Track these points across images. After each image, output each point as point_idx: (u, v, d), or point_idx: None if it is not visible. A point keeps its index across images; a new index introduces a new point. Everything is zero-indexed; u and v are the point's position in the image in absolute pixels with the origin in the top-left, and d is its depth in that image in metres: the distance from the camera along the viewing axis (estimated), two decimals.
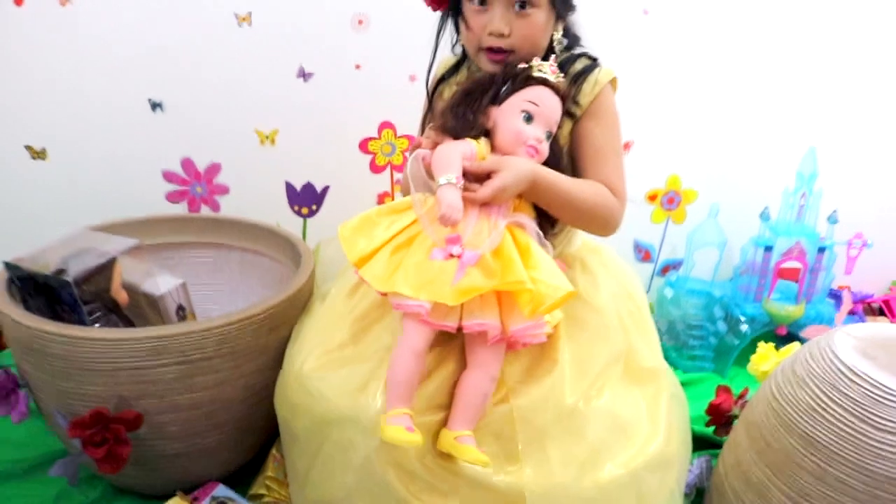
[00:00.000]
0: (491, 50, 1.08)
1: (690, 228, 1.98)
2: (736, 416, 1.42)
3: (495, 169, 0.98)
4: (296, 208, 1.88)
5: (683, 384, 1.43)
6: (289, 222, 1.87)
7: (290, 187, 1.85)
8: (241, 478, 1.36)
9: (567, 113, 1.09)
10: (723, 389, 1.44)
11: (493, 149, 1.04)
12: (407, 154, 1.10)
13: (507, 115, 1.01)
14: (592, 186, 1.08)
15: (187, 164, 1.78)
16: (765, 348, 1.46)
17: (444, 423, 1.00)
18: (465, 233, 0.95)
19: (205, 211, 1.83)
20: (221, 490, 1.31)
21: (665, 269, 2.09)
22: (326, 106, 1.78)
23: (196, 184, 1.81)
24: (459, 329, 0.97)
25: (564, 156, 1.12)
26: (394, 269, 0.97)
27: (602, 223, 1.10)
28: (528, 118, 1.01)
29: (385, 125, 1.83)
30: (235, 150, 1.79)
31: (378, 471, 0.99)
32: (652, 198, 2.00)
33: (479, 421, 1.00)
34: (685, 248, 1.99)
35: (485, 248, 0.93)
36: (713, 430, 1.46)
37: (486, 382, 1.00)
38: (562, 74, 1.07)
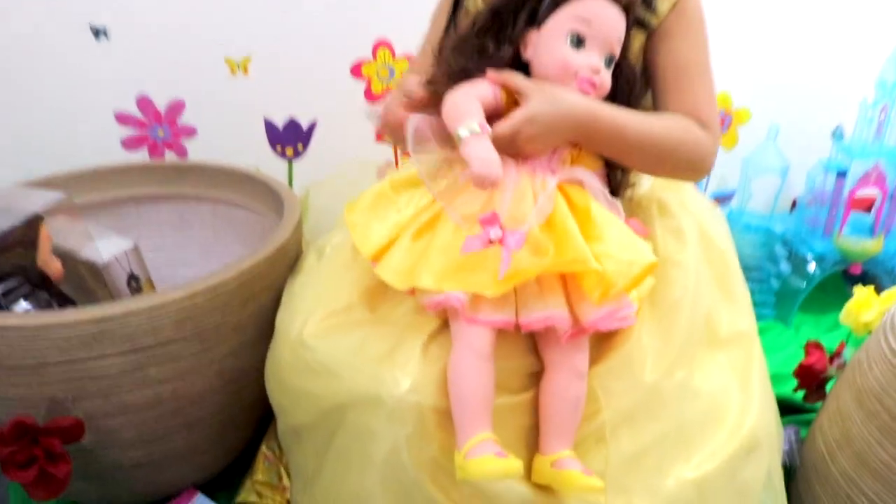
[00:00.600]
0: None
1: (744, 154, 1.68)
2: (831, 378, 1.15)
3: (523, 94, 0.76)
4: (278, 149, 1.58)
5: None
6: (271, 166, 1.59)
7: (269, 125, 1.55)
8: (226, 482, 1.11)
9: (638, 22, 0.85)
10: (814, 347, 1.18)
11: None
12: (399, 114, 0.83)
13: (548, 42, 0.79)
14: (674, 121, 0.85)
15: (144, 102, 1.48)
16: (864, 293, 1.18)
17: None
18: (502, 204, 0.72)
19: (169, 158, 1.53)
20: (200, 500, 1.05)
21: (715, 202, 1.80)
22: (308, 24, 1.48)
23: (156, 126, 1.51)
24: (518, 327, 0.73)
25: (638, 80, 0.85)
26: (417, 259, 0.75)
27: (689, 168, 0.87)
28: (578, 41, 0.78)
29: (381, 44, 1.53)
30: (201, 83, 1.50)
31: (408, 469, 0.75)
32: None
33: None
34: (739, 177, 1.69)
35: (531, 220, 0.72)
36: (801, 395, 1.20)
37: (574, 384, 0.77)
38: None
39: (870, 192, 1.58)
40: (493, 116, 0.77)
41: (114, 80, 1.45)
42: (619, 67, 0.83)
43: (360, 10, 1.48)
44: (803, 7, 1.62)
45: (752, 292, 1.65)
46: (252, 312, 0.97)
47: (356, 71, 1.54)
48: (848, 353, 1.15)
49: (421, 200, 0.81)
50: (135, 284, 1.07)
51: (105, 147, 1.49)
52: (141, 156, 1.53)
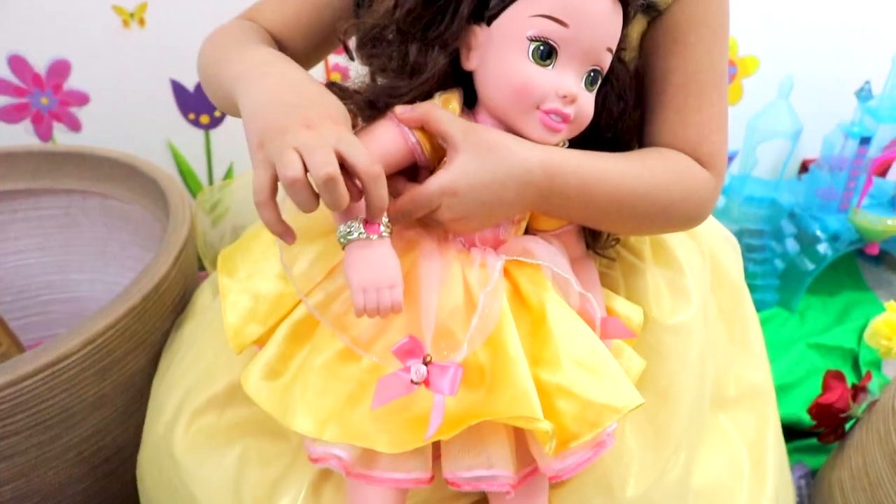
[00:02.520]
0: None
1: (750, 114, 1.43)
2: (853, 418, 0.95)
3: (447, 142, 0.53)
4: (191, 117, 1.31)
5: None
6: (185, 138, 1.32)
7: (178, 87, 1.28)
8: None
9: (640, 6, 0.60)
10: (834, 378, 0.97)
11: (475, 115, 0.57)
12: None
13: (500, 50, 0.54)
14: (668, 164, 0.61)
15: (18, 63, 1.20)
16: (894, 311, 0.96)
17: None
18: (425, 315, 0.51)
19: (59, 130, 1.26)
20: None
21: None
22: None
23: (38, 92, 1.22)
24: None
25: (632, 93, 0.61)
26: (292, 379, 0.54)
27: (682, 224, 0.66)
28: (546, 52, 0.53)
29: None
30: (88, 39, 1.21)
31: None
32: None
33: None
34: (744, 140, 1.44)
35: (470, 342, 0.51)
36: (817, 433, 1.00)
37: None
38: None
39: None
40: (415, 168, 0.52)
41: None
42: (609, 75, 0.58)
43: None
44: None
45: (754, 275, 1.45)
46: (118, 381, 0.74)
47: None
48: (877, 385, 0.95)
49: (328, 257, 0.57)
50: None
51: None
52: (23, 128, 1.25)
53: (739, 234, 1.48)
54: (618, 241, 0.69)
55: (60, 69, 1.21)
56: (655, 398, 0.66)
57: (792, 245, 1.44)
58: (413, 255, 0.54)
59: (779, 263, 1.45)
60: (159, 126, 1.29)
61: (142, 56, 1.23)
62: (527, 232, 0.61)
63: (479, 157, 0.51)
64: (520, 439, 0.52)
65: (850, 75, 1.39)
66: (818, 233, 1.40)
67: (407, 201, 0.53)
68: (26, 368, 0.66)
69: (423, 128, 0.53)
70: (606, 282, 0.69)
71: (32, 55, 1.19)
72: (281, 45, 0.68)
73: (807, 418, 1.04)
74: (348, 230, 0.48)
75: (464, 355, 0.50)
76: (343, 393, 0.51)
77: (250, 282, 0.59)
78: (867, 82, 1.29)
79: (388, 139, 0.53)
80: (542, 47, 0.52)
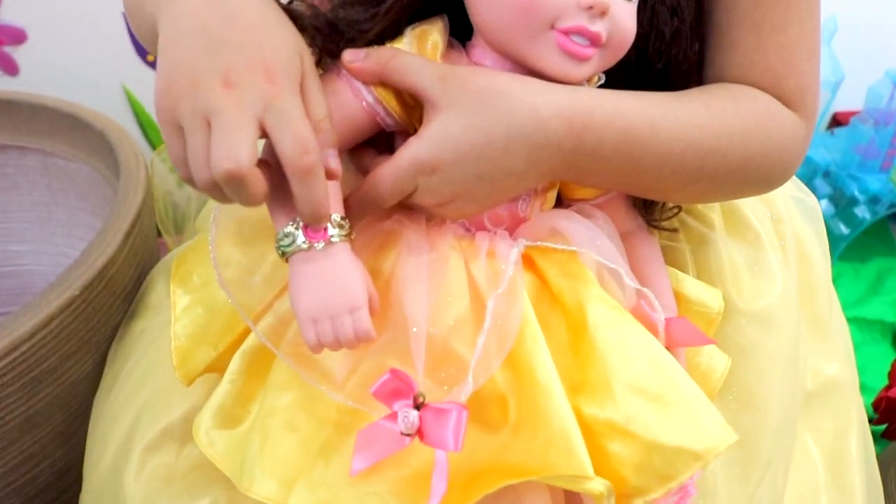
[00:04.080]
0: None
1: None
2: None
3: (423, 97, 0.38)
4: (151, 59, 1.13)
5: None
6: (142, 83, 1.14)
7: None
8: None
9: None
10: None
11: (470, 51, 0.42)
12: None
13: None
14: (741, 107, 0.45)
15: None
16: None
17: None
18: (415, 345, 0.36)
19: None
20: None
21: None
22: None
23: None
24: None
25: (686, 4, 0.44)
26: (248, 430, 0.41)
27: (763, 186, 0.50)
28: None
29: None
30: None
31: None
32: None
33: None
34: None
35: (470, 380, 0.36)
36: (882, 428, 0.88)
37: None
38: None
39: None
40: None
41: None
42: None
43: None
44: None
45: None
46: (54, 394, 0.59)
47: None
48: None
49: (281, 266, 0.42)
50: None
51: None
52: None
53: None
54: (680, 208, 0.54)
55: None
56: (739, 405, 0.53)
57: (826, 207, 1.31)
58: (394, 251, 0.40)
59: None
60: (112, 69, 1.13)
61: None
62: (559, 203, 0.47)
63: (465, 112, 0.37)
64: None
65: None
66: (856, 193, 1.27)
67: (369, 187, 0.38)
68: None
69: (385, 85, 0.38)
70: (671, 258, 0.55)
71: None
72: None
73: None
74: (287, 237, 0.35)
75: (470, 391, 0.36)
76: (315, 442, 0.38)
77: (206, 290, 0.46)
78: None
79: (336, 102, 0.38)
80: None
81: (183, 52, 0.34)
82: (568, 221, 0.43)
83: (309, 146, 0.32)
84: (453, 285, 0.38)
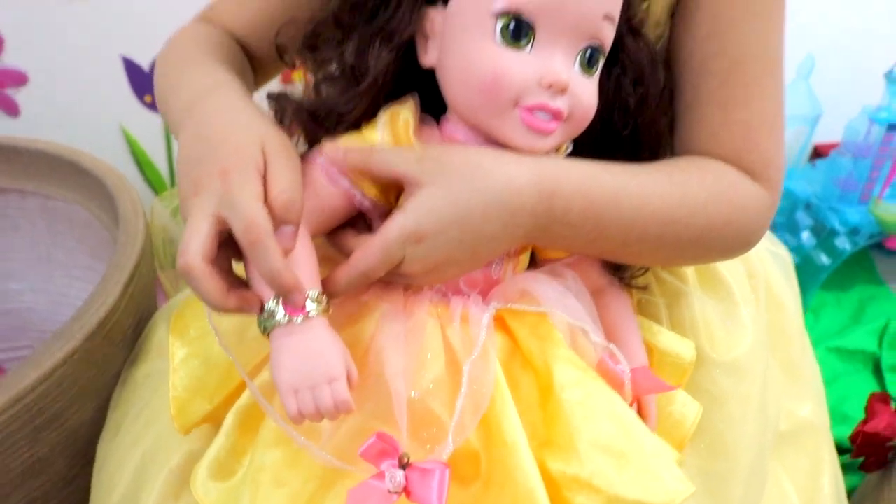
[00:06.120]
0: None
1: None
2: None
3: (405, 181, 0.41)
4: (147, 100, 1.15)
5: None
6: (140, 123, 1.17)
7: (131, 66, 1.12)
8: None
9: None
10: (879, 401, 0.87)
11: (443, 126, 0.45)
12: None
13: (461, 34, 0.42)
14: (705, 179, 0.48)
15: None
16: None
17: None
18: (397, 405, 0.39)
19: None
20: None
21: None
22: None
23: None
24: None
25: (660, 78, 0.48)
26: (241, 481, 0.44)
27: (724, 250, 0.52)
28: (518, 30, 0.40)
29: None
30: (23, 11, 1.04)
31: None
32: None
33: None
34: None
35: (452, 436, 0.39)
36: (858, 461, 0.90)
37: None
38: None
39: None
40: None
41: None
42: (619, 53, 0.45)
43: None
44: None
45: None
46: (57, 440, 0.61)
47: None
48: None
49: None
50: None
51: None
52: None
53: None
54: (647, 268, 0.57)
55: None
56: (712, 453, 0.55)
57: (807, 238, 1.34)
58: (373, 321, 0.43)
59: (794, 258, 1.35)
60: (111, 110, 1.15)
61: (87, 30, 1.08)
62: (532, 262, 0.50)
63: (445, 185, 0.40)
64: None
65: (875, 56, 1.28)
66: (836, 225, 1.30)
67: (359, 259, 0.40)
68: None
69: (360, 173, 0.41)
70: (647, 311, 0.58)
71: None
72: (246, 50, 0.57)
73: (834, 434, 0.95)
74: (267, 315, 0.37)
75: (450, 451, 0.39)
76: (301, 497, 0.40)
77: (202, 343, 0.48)
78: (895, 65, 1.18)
79: (314, 189, 0.41)
80: (511, 24, 0.39)
81: (183, 170, 0.40)
82: (537, 284, 0.45)
83: (254, 222, 0.35)
84: (430, 350, 0.41)
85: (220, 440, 0.46)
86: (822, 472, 0.67)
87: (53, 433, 0.60)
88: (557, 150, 0.45)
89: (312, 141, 0.43)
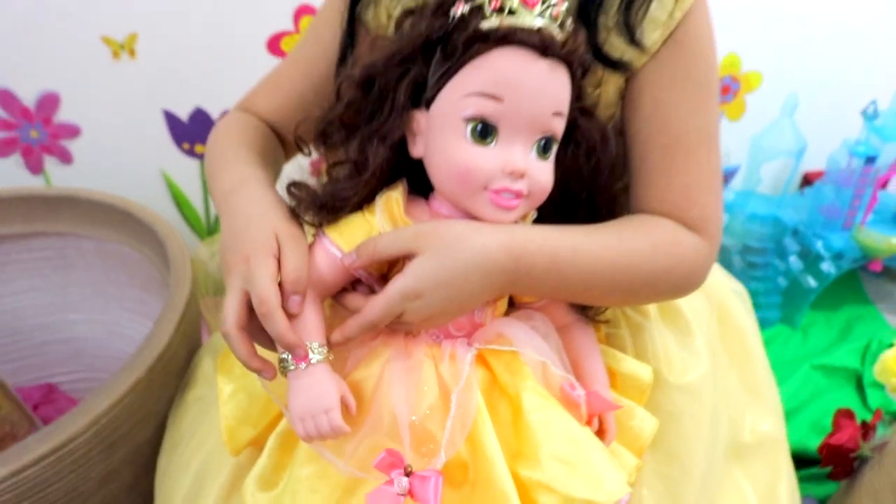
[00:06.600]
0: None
1: (753, 130, 1.41)
2: (862, 456, 0.94)
3: (407, 252, 0.51)
4: (185, 147, 1.28)
5: None
6: (179, 167, 1.30)
7: (171, 117, 1.25)
8: None
9: (612, 64, 0.58)
10: (844, 417, 0.96)
11: (431, 201, 0.55)
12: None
13: (441, 134, 0.51)
14: (650, 233, 0.58)
15: (6, 98, 1.16)
16: None
17: None
18: (401, 425, 0.50)
19: (51, 163, 1.23)
20: None
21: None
22: None
23: (27, 125, 1.19)
24: None
25: (610, 151, 0.56)
26: (283, 490, 0.54)
27: (671, 294, 0.62)
28: (484, 131, 0.50)
29: (304, 11, 1.21)
30: (78, 72, 1.17)
31: None
32: None
33: None
34: (747, 157, 1.43)
35: (447, 448, 0.50)
36: (818, 470, 0.99)
37: None
38: None
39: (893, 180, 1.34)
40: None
41: None
42: (575, 132, 0.55)
43: None
44: None
45: (756, 293, 1.44)
46: (125, 454, 0.73)
47: (274, 46, 1.22)
48: (885, 429, 0.94)
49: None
50: None
51: None
52: (14, 162, 1.22)
53: (742, 252, 1.48)
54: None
55: (50, 102, 1.18)
56: (669, 460, 0.65)
57: (795, 263, 1.43)
58: (381, 361, 0.53)
59: (782, 281, 1.45)
60: (153, 156, 1.27)
61: (133, 87, 1.20)
62: (511, 304, 0.60)
63: (435, 254, 0.49)
64: None
65: (855, 93, 1.37)
66: (821, 251, 1.39)
67: (368, 312, 0.51)
68: (31, 456, 0.64)
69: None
70: (614, 342, 0.68)
71: (21, 88, 1.16)
72: (276, 132, 0.70)
73: (814, 446, 1.04)
74: (282, 362, 0.49)
75: (443, 462, 0.49)
76: (331, 499, 0.51)
77: (246, 380, 0.60)
78: (873, 101, 1.27)
79: (321, 262, 0.52)
80: (479, 126, 0.49)
81: (221, 257, 0.54)
82: (510, 328, 0.55)
83: (265, 298, 0.48)
84: (426, 383, 0.51)
85: (264, 459, 0.56)
86: (780, 480, 0.76)
87: (123, 448, 0.72)
88: (525, 217, 0.55)
89: (321, 223, 0.54)
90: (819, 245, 1.39)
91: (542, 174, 0.52)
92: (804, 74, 1.41)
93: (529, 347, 0.53)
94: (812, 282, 1.40)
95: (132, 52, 1.17)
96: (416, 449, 0.49)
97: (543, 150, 0.51)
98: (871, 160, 1.30)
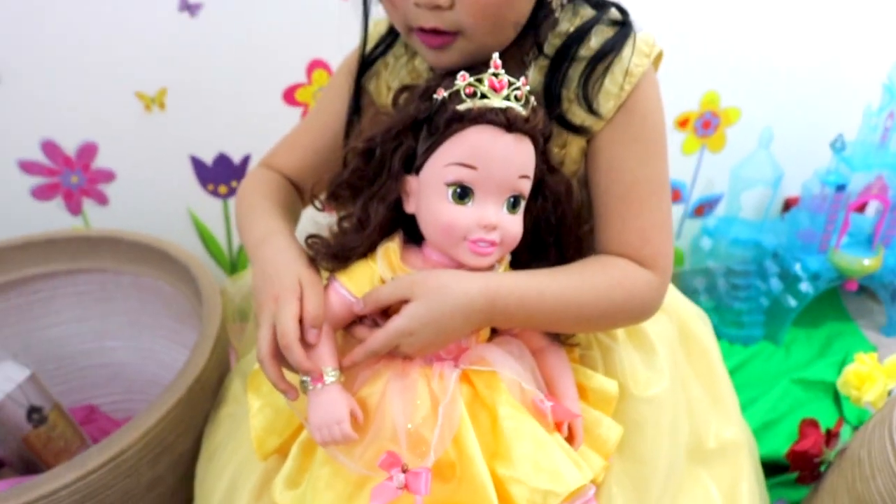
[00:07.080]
0: (423, 31, 0.63)
1: (733, 160, 1.52)
2: (826, 461, 1.04)
3: (403, 298, 0.62)
4: (210, 188, 1.40)
5: (731, 371, 1.03)
6: (204, 207, 1.42)
7: (197, 162, 1.37)
8: None
9: (574, 129, 0.68)
10: (809, 426, 1.06)
11: (424, 248, 0.66)
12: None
13: (428, 196, 0.62)
14: (607, 271, 0.69)
15: (50, 148, 1.29)
16: (865, 363, 1.05)
17: None
18: (399, 432, 0.61)
19: (88, 205, 1.36)
20: None
21: (699, 209, 1.64)
22: (227, 46, 1.27)
23: (68, 172, 1.32)
24: None
25: (573, 200, 0.69)
26: (306, 487, 0.65)
27: (629, 321, 0.74)
28: (462, 193, 0.60)
29: (316, 65, 1.33)
30: (113, 123, 1.30)
31: None
32: (683, 123, 1.51)
33: None
34: (728, 187, 1.54)
35: (435, 449, 0.60)
36: (794, 476, 1.09)
37: None
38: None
39: (871, 204, 1.44)
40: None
41: (11, 125, 1.26)
42: (543, 187, 0.66)
43: (288, 28, 1.27)
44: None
45: (740, 312, 1.55)
46: (169, 462, 0.84)
47: (289, 97, 1.34)
48: (846, 435, 1.04)
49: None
50: (37, 417, 0.93)
51: (12, 199, 1.31)
52: (55, 204, 1.35)
53: (727, 274, 1.58)
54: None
55: (88, 151, 1.31)
56: (636, 462, 0.75)
57: (776, 284, 1.53)
58: (383, 380, 0.64)
59: (764, 301, 1.55)
60: (181, 197, 1.39)
61: (163, 136, 1.32)
62: (493, 331, 0.70)
63: (426, 300, 0.60)
64: None
65: (825, 124, 1.48)
66: (799, 272, 1.49)
67: (371, 343, 0.62)
68: (94, 462, 0.75)
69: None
70: (587, 362, 0.79)
71: (63, 139, 1.29)
72: (295, 184, 0.82)
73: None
74: (303, 383, 0.61)
75: (432, 461, 0.59)
76: (344, 494, 0.61)
77: (272, 396, 0.71)
78: (840, 136, 1.38)
79: (333, 302, 0.64)
80: (458, 190, 0.60)
81: (254, 297, 0.65)
82: (490, 352, 0.66)
83: (286, 334, 0.58)
84: (420, 398, 0.62)
85: (290, 463, 0.67)
86: (741, 480, 0.85)
87: (166, 458, 0.83)
88: (501, 261, 0.66)
89: (334, 268, 0.65)
90: (797, 267, 1.49)
91: (513, 225, 0.63)
92: (779, 109, 1.51)
93: (506, 368, 0.64)
94: (792, 301, 1.50)
95: (162, 105, 1.29)
96: (411, 451, 0.60)
97: (513, 206, 0.62)
98: (841, 188, 1.40)
